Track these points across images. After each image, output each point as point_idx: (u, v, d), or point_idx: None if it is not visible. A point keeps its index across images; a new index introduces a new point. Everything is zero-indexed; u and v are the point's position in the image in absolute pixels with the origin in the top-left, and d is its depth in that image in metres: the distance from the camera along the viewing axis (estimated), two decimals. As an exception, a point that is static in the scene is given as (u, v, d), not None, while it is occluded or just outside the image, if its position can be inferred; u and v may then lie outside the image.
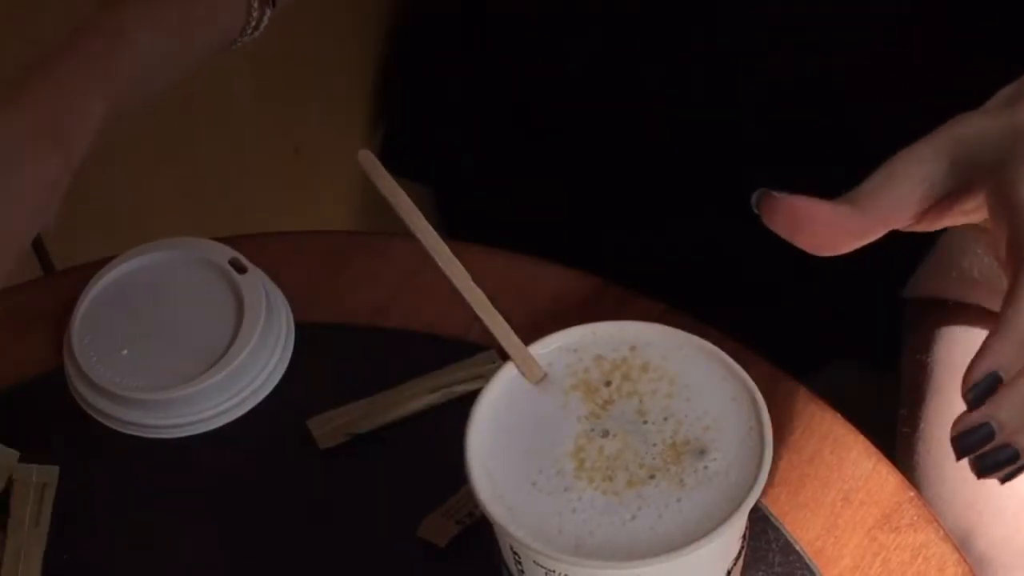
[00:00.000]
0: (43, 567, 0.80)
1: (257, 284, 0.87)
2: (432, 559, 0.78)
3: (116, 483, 0.83)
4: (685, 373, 0.66)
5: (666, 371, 0.66)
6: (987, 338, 0.60)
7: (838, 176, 0.90)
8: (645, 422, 0.64)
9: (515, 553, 0.64)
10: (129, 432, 0.85)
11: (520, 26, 0.89)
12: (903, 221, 0.67)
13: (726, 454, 0.63)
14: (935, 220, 0.69)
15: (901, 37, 0.89)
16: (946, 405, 0.87)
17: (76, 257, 0.95)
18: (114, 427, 0.85)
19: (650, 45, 0.89)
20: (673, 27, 0.88)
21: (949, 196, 0.68)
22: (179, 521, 0.81)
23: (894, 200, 0.67)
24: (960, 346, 0.88)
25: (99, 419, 0.85)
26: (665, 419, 0.64)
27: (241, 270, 0.88)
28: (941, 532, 0.77)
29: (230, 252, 0.89)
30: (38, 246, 1.68)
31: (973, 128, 0.68)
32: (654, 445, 0.64)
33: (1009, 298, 0.61)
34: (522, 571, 0.64)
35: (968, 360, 0.88)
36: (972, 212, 0.67)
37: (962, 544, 0.82)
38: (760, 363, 0.76)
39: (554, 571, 0.62)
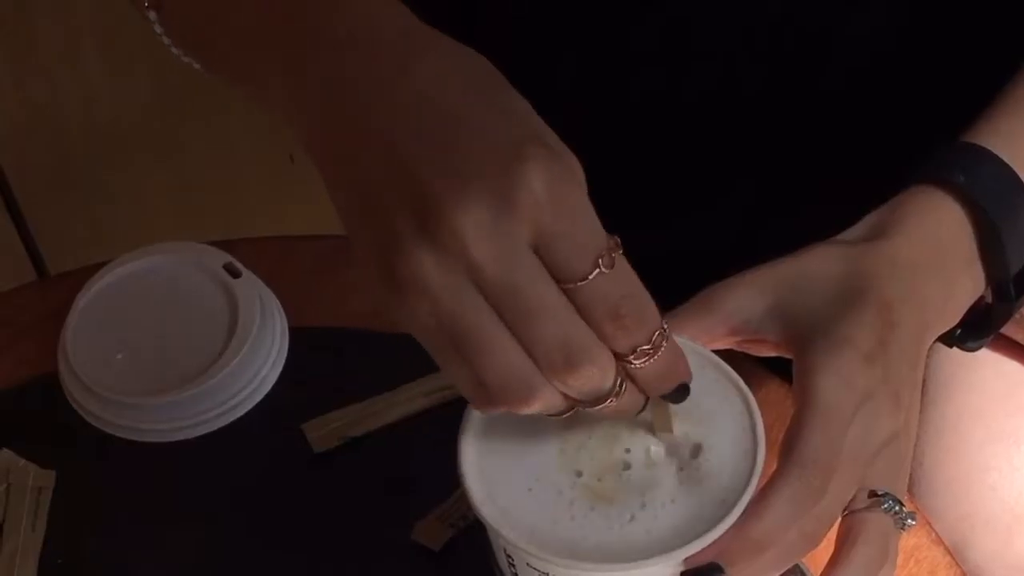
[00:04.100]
0: (39, 570, 0.80)
1: (251, 288, 0.87)
2: (426, 563, 0.78)
3: (112, 487, 0.83)
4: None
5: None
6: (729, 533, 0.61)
7: (836, 181, 0.91)
8: (638, 424, 0.64)
9: (509, 556, 0.64)
10: (124, 436, 0.85)
11: (510, 34, 0.89)
12: (714, 346, 0.68)
13: (719, 456, 0.63)
14: (757, 351, 0.70)
15: (899, 43, 0.89)
16: (939, 418, 0.87)
17: (71, 262, 0.96)
18: (110, 431, 0.85)
19: (641, 53, 0.89)
20: (666, 32, 0.88)
21: (769, 335, 0.68)
22: (174, 524, 0.81)
23: (700, 329, 0.68)
24: (952, 360, 0.88)
25: (95, 423, 0.85)
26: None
27: (235, 274, 0.88)
28: (933, 535, 0.78)
29: (224, 256, 0.89)
30: (33, 251, 1.68)
31: (807, 273, 0.68)
32: (647, 447, 0.64)
33: (762, 494, 0.62)
34: (516, 573, 0.64)
35: (962, 372, 0.89)
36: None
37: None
38: (753, 365, 0.76)
39: (548, 573, 0.62)
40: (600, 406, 0.60)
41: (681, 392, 0.62)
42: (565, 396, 0.59)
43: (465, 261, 0.56)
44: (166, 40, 0.72)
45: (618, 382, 0.59)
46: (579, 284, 0.57)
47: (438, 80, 0.59)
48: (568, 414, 0.60)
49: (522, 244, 0.56)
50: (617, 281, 0.57)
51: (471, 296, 0.56)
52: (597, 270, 0.57)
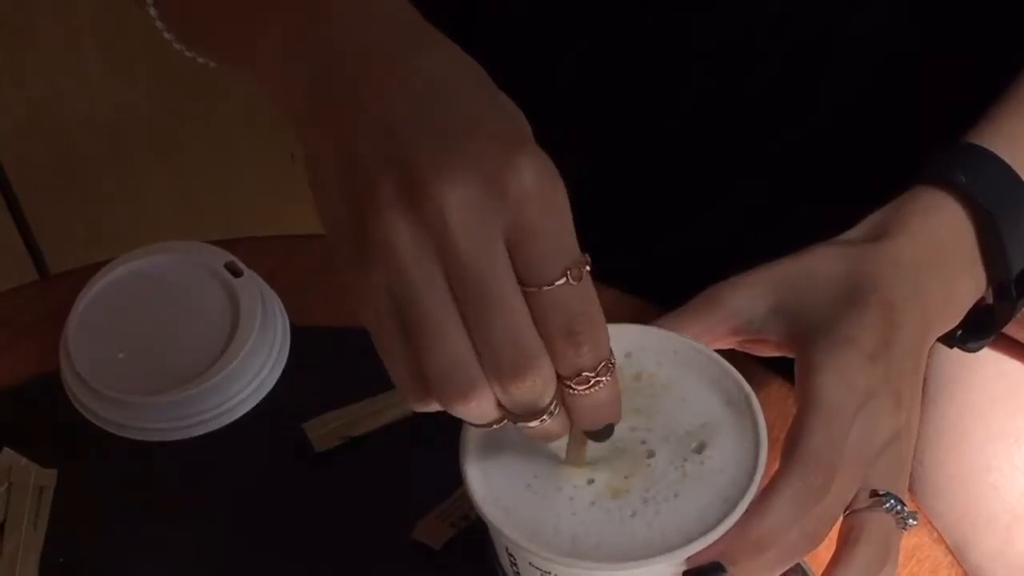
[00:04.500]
0: (40, 569, 0.80)
1: (253, 287, 0.87)
2: (427, 562, 0.78)
3: (113, 486, 0.83)
4: (680, 376, 0.66)
5: (661, 377, 0.66)
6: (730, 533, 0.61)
7: (837, 181, 0.91)
8: (640, 424, 0.64)
9: (510, 555, 0.64)
10: (126, 435, 0.85)
11: (509, 34, 0.89)
12: (716, 345, 0.68)
13: (721, 455, 0.63)
14: (759, 350, 0.70)
15: (900, 44, 0.89)
16: (939, 417, 0.87)
17: (72, 261, 0.95)
18: (111, 430, 0.85)
19: (641, 53, 0.89)
20: (665, 33, 0.88)
21: (771, 335, 0.68)
22: (175, 524, 0.81)
23: (702, 329, 0.68)
24: (953, 359, 0.88)
25: (96, 422, 0.85)
26: (661, 421, 0.64)
27: (237, 273, 0.88)
28: (935, 535, 0.78)
29: (226, 256, 0.89)
30: (34, 250, 1.68)
31: (809, 273, 0.68)
32: (649, 447, 0.64)
33: (764, 493, 0.62)
34: (518, 573, 0.64)
35: (963, 372, 0.89)
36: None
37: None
38: (754, 365, 0.76)
39: (549, 572, 0.62)
40: (528, 423, 0.59)
41: (606, 433, 0.61)
42: (498, 404, 0.58)
43: (440, 236, 0.55)
44: (167, 36, 0.72)
45: (554, 403, 0.59)
46: (543, 289, 0.56)
47: (440, 69, 0.59)
48: (489, 429, 0.60)
49: (498, 235, 0.56)
50: (579, 297, 0.57)
51: (435, 275, 0.56)
52: (564, 279, 0.56)
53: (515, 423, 0.59)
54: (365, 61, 0.59)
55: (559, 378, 0.58)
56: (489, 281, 0.56)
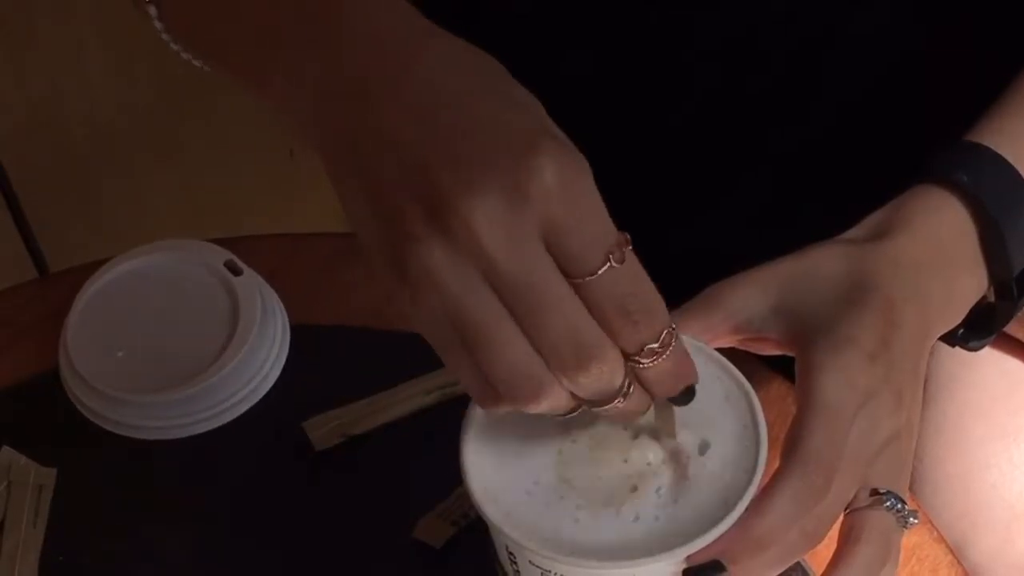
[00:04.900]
0: (39, 567, 0.80)
1: (252, 286, 0.87)
2: (428, 560, 0.78)
3: (113, 485, 0.83)
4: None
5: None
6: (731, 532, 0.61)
7: (839, 179, 0.91)
8: (640, 422, 0.64)
9: (511, 553, 0.64)
10: (125, 434, 0.85)
11: (512, 33, 0.89)
12: (717, 344, 0.68)
13: (721, 454, 0.63)
14: (760, 349, 0.70)
15: (903, 42, 0.89)
16: (940, 416, 0.87)
17: (72, 261, 0.95)
18: (110, 429, 0.85)
19: (644, 51, 0.89)
20: (669, 31, 0.88)
21: (771, 333, 0.68)
22: (175, 522, 0.81)
23: (703, 327, 0.68)
24: (954, 357, 0.88)
25: (96, 421, 0.85)
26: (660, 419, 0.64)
27: (237, 272, 0.88)
28: (935, 533, 0.78)
29: (225, 254, 0.89)
30: (34, 250, 1.68)
31: (810, 272, 0.68)
32: (649, 445, 0.64)
33: (764, 492, 0.62)
34: (518, 571, 0.64)
35: (963, 370, 0.89)
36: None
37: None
38: (755, 364, 0.76)
39: (550, 571, 0.62)
40: (607, 406, 0.59)
41: (688, 394, 0.62)
42: (572, 395, 0.59)
43: (476, 253, 0.55)
44: (166, 37, 0.72)
45: (626, 382, 0.59)
46: (588, 279, 0.56)
47: (444, 71, 0.59)
48: (573, 414, 0.60)
49: (534, 236, 0.56)
50: (627, 276, 0.57)
51: (481, 289, 0.56)
52: (607, 265, 0.56)
53: (592, 408, 0.60)
54: (366, 80, 0.59)
55: (626, 356, 0.58)
56: (533, 284, 0.56)
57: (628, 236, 0.57)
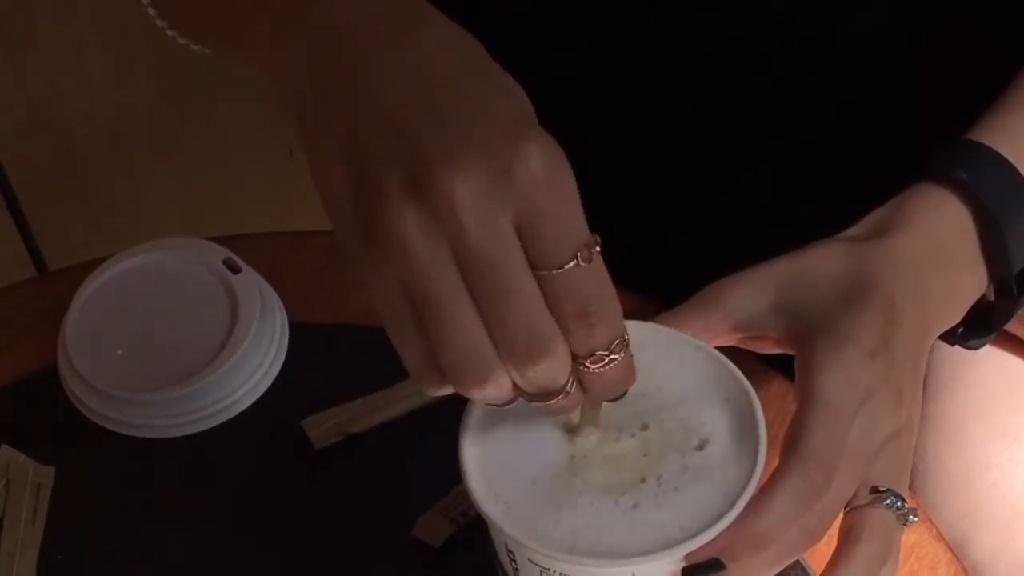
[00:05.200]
0: (38, 566, 0.80)
1: (251, 284, 0.87)
2: (427, 559, 0.78)
3: (112, 483, 0.83)
4: (679, 372, 0.66)
5: (661, 374, 0.66)
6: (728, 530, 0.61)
7: (839, 178, 0.91)
8: (640, 420, 0.64)
9: (510, 552, 0.64)
10: (124, 432, 0.85)
11: (510, 30, 0.89)
12: (717, 342, 0.68)
13: (721, 452, 0.63)
14: (759, 348, 0.70)
15: (903, 42, 0.89)
16: (940, 414, 0.87)
17: (71, 259, 0.95)
18: (109, 427, 0.85)
19: (643, 50, 0.89)
20: (668, 30, 0.88)
21: (771, 332, 0.68)
22: (174, 521, 0.81)
23: (703, 326, 0.68)
24: (954, 356, 0.88)
25: (94, 419, 0.85)
26: (660, 418, 0.64)
27: (235, 270, 0.88)
28: (934, 532, 0.78)
29: (224, 252, 0.89)
30: (33, 249, 1.68)
31: (810, 270, 0.68)
32: (649, 443, 0.64)
33: (764, 490, 0.62)
34: (517, 570, 0.64)
35: (964, 369, 0.88)
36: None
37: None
38: (754, 362, 0.76)
39: (549, 569, 0.62)
40: (545, 403, 0.59)
41: (622, 395, 0.62)
42: (513, 385, 0.58)
43: (450, 226, 0.55)
44: (160, 23, 0.72)
45: (570, 380, 0.59)
46: (555, 272, 0.56)
47: (438, 49, 0.59)
48: (508, 406, 0.60)
49: (508, 221, 0.56)
50: (591, 278, 0.57)
51: (446, 264, 0.56)
52: (574, 262, 0.56)
53: (530, 401, 0.59)
54: (359, 46, 0.59)
55: (573, 357, 0.58)
56: (501, 268, 0.56)
57: (599, 239, 0.57)
